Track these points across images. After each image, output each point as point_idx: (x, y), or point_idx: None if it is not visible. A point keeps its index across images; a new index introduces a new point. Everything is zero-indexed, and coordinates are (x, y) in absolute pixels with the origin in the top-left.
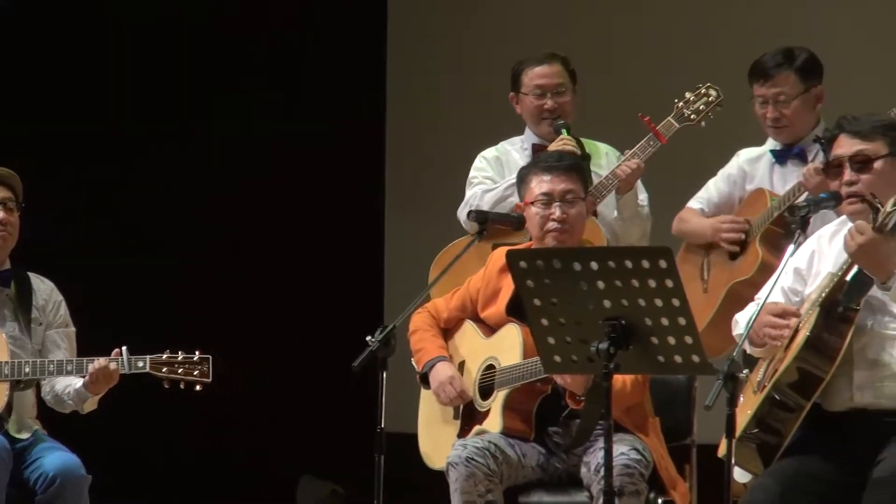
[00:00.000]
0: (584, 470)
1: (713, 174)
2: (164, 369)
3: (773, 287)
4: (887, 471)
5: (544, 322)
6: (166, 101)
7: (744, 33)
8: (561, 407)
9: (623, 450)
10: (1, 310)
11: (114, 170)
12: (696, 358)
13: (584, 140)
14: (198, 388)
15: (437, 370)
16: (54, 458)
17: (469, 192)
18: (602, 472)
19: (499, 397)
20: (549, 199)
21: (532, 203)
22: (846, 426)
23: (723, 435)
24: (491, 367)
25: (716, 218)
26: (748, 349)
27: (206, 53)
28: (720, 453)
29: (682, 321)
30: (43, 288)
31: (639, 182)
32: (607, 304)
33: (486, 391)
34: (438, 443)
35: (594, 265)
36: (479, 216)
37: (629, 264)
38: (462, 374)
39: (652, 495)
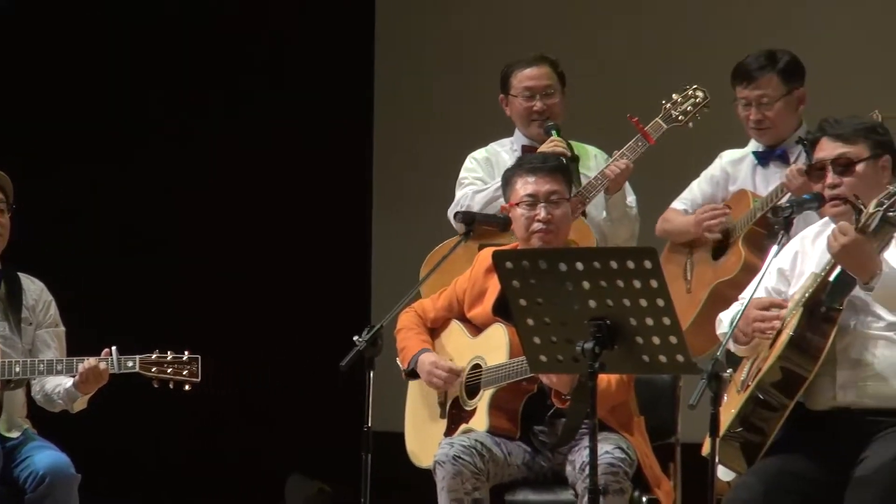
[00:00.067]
0: (569, 468)
1: (699, 176)
2: (153, 369)
3: (756, 287)
4: (870, 469)
5: (530, 322)
6: (156, 102)
7: (731, 36)
8: (546, 406)
9: (608, 448)
10: None
11: (104, 171)
12: (680, 357)
13: (573, 142)
14: (187, 387)
15: (421, 361)
16: (44, 456)
17: (459, 193)
18: (587, 471)
19: (485, 396)
20: (533, 200)
21: (517, 204)
22: (829, 425)
23: (707, 434)
24: (477, 366)
25: (694, 215)
26: (732, 348)
27: (194, 55)
28: (704, 452)
29: (666, 321)
30: (33, 288)
31: (627, 185)
32: (592, 304)
33: (472, 390)
34: (425, 441)
35: (579, 266)
36: (465, 217)
37: (614, 265)
38: None
39: (636, 494)
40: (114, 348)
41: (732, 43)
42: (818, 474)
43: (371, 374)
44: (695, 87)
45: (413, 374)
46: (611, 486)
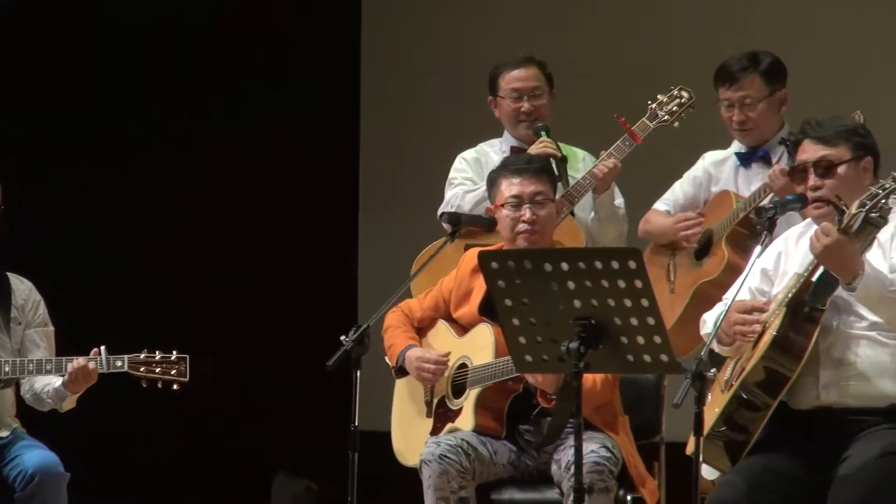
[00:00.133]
0: (554, 467)
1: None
2: (141, 368)
3: (740, 287)
4: (852, 468)
5: (515, 322)
6: (143, 102)
7: (714, 38)
8: (532, 405)
9: (593, 447)
10: None
11: (95, 170)
12: (664, 357)
13: (561, 144)
14: (175, 387)
15: (408, 357)
16: (33, 455)
17: (450, 193)
18: (572, 470)
19: (471, 396)
20: (518, 201)
21: (502, 205)
22: (812, 424)
23: (691, 433)
24: (463, 365)
25: (673, 217)
26: (716, 348)
27: (182, 57)
28: (688, 451)
29: (651, 321)
30: (22, 288)
31: (616, 187)
32: (577, 304)
33: (458, 390)
34: (412, 440)
35: (564, 266)
36: (451, 218)
37: (599, 265)
38: None
39: (621, 492)
40: (102, 348)
41: (715, 45)
42: (801, 473)
43: (358, 374)
44: (679, 87)
45: (401, 371)
46: (596, 485)
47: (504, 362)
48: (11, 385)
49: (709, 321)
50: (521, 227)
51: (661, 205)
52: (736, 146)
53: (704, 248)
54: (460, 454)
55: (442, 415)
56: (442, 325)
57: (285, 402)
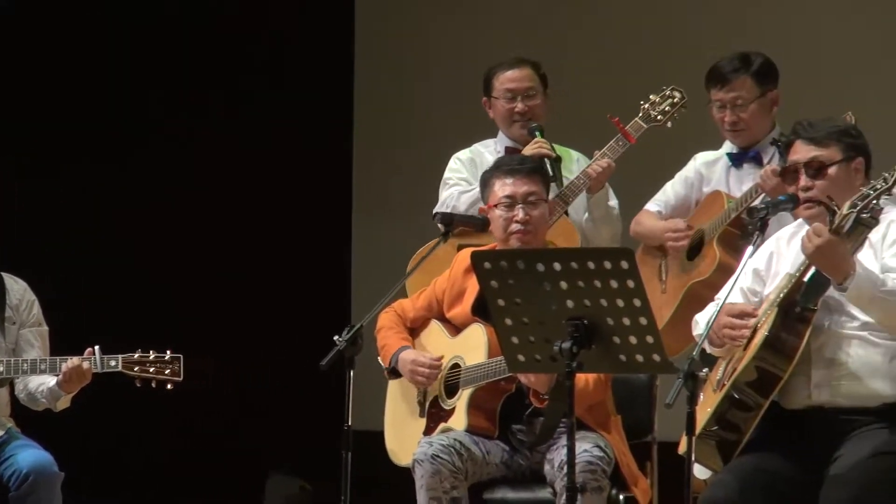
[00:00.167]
0: (547, 467)
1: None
2: (135, 368)
3: (731, 287)
4: (844, 468)
5: (508, 322)
6: (140, 102)
7: (705, 39)
8: (525, 405)
9: (586, 447)
10: None
11: (91, 171)
12: (657, 357)
13: (555, 145)
14: (169, 386)
15: (402, 359)
16: (27, 455)
17: (445, 193)
18: (565, 469)
19: (464, 396)
20: (511, 201)
21: (495, 206)
22: (804, 424)
23: (683, 432)
24: (456, 365)
25: (664, 223)
26: (708, 349)
27: (173, 58)
28: (680, 450)
29: (643, 321)
30: (16, 288)
31: (610, 189)
32: (570, 304)
33: (451, 390)
34: (404, 440)
35: (557, 266)
36: (444, 218)
37: (591, 265)
38: None
39: (614, 492)
40: (97, 348)
41: (707, 46)
42: (793, 472)
43: (351, 374)
44: (671, 87)
45: (394, 372)
46: (589, 484)
47: (497, 362)
48: (6, 385)
49: (701, 322)
50: (514, 227)
51: (652, 205)
52: (727, 147)
53: (696, 249)
54: (452, 454)
55: (435, 415)
56: (435, 325)
57: (279, 401)
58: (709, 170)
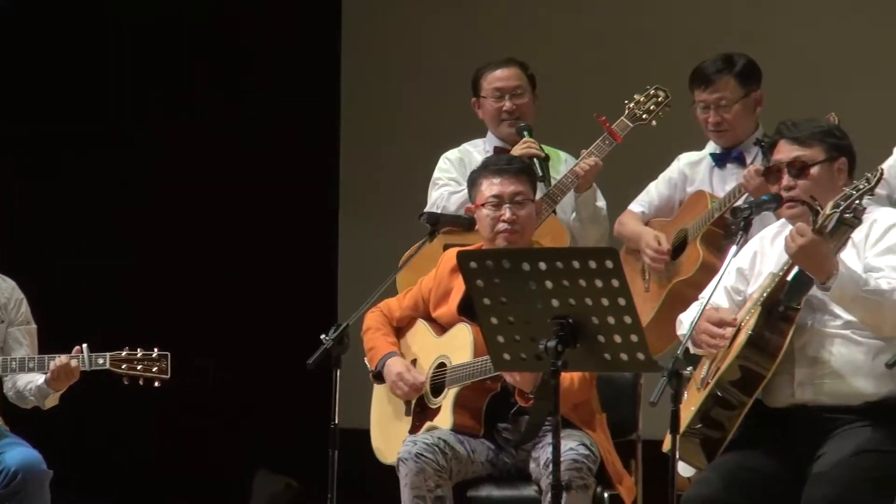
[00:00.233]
0: (532, 465)
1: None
2: (123, 366)
3: (715, 287)
4: (827, 466)
5: (494, 321)
6: (120, 101)
7: (688, 39)
8: (510, 404)
9: (571, 445)
10: None
11: (78, 171)
12: (641, 356)
13: (543, 146)
14: (156, 384)
15: (389, 366)
16: (16, 453)
17: (435, 194)
18: (551, 467)
19: (449, 395)
20: (499, 200)
21: (483, 205)
22: (787, 422)
23: (667, 430)
24: (442, 365)
25: (646, 234)
26: (692, 349)
27: (161, 56)
28: (665, 448)
29: (627, 320)
30: (4, 286)
31: (598, 190)
32: (555, 303)
33: (437, 389)
34: (390, 439)
35: (542, 265)
36: (430, 218)
37: (576, 264)
38: None
39: (599, 489)
40: (84, 346)
41: (690, 47)
42: (777, 470)
43: (338, 372)
44: (655, 86)
45: (380, 375)
46: (574, 482)
47: (482, 362)
48: None
49: (685, 321)
50: (501, 226)
51: (636, 206)
52: (711, 147)
53: (679, 248)
54: (437, 453)
55: (420, 413)
56: (421, 324)
57: (266, 399)
58: (692, 170)
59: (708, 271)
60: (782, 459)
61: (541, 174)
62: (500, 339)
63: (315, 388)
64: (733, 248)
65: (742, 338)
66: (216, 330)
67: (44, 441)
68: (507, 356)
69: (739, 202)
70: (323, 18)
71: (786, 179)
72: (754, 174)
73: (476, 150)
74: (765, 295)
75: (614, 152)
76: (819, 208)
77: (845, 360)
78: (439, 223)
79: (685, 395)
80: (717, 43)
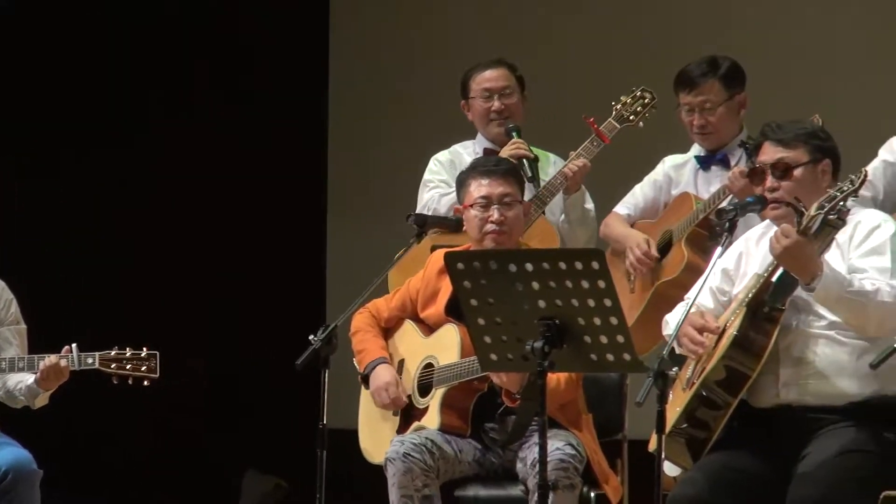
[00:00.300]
0: (519, 465)
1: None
2: (112, 365)
3: (701, 287)
4: (811, 466)
5: (481, 322)
6: (111, 102)
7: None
8: (497, 404)
9: (558, 445)
10: None
11: (69, 171)
12: (627, 356)
13: (532, 148)
14: (145, 383)
15: (378, 373)
16: (6, 452)
17: (427, 196)
18: (537, 467)
19: (437, 395)
20: (487, 202)
21: (471, 206)
22: (772, 422)
23: (653, 430)
24: (430, 365)
25: (633, 236)
26: (678, 350)
27: (149, 56)
28: (651, 448)
29: (613, 321)
30: None
31: (586, 192)
32: (542, 304)
33: (424, 389)
34: (378, 439)
35: (529, 266)
36: (418, 219)
37: (563, 266)
38: (402, 373)
39: (585, 489)
40: (74, 346)
41: (677, 49)
42: (762, 470)
43: (326, 373)
44: (642, 88)
45: (366, 378)
46: (561, 482)
47: (469, 362)
48: None
49: (671, 322)
50: (489, 227)
51: (621, 208)
52: (696, 149)
53: (664, 249)
54: (424, 453)
55: (408, 413)
56: (409, 325)
57: (255, 400)
58: (677, 172)
59: (693, 272)
60: (767, 459)
61: (530, 174)
62: (488, 339)
63: (303, 389)
64: (718, 250)
65: (727, 338)
66: (205, 330)
67: (34, 441)
68: (494, 357)
69: (724, 204)
70: (311, 19)
71: (770, 181)
72: (739, 176)
73: (466, 152)
74: (750, 296)
75: (600, 155)
76: (804, 210)
77: (830, 361)
78: (427, 224)
79: (671, 396)
80: (703, 46)
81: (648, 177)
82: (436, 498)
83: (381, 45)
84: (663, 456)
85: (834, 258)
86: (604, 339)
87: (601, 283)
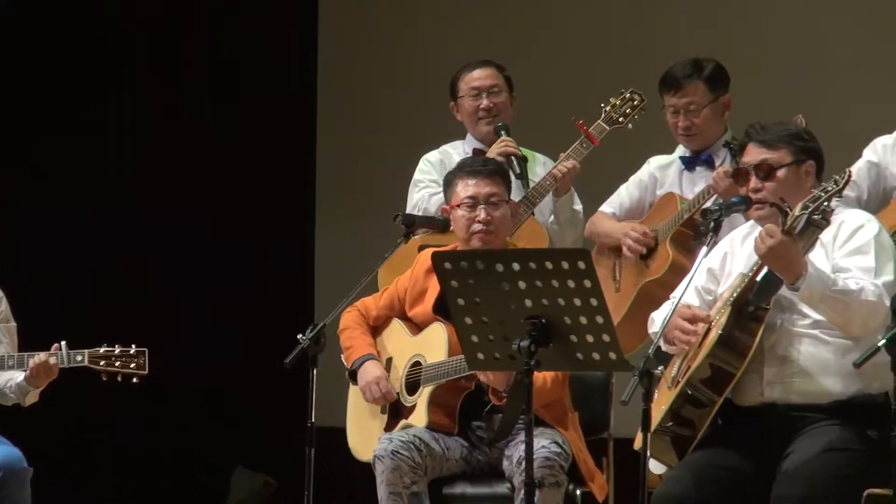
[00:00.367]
0: (505, 463)
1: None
2: (101, 363)
3: (686, 287)
4: (795, 463)
5: (468, 321)
6: (103, 100)
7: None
8: (484, 403)
9: (544, 443)
10: None
11: (62, 169)
12: (612, 355)
13: (522, 148)
14: (134, 380)
15: (366, 368)
16: None
17: (417, 196)
18: (523, 465)
19: (424, 393)
20: (474, 201)
21: (458, 206)
22: (757, 420)
23: (639, 428)
24: (417, 363)
25: (629, 224)
26: (664, 347)
27: (138, 58)
28: (636, 446)
29: (599, 320)
30: None
31: (575, 194)
32: (528, 303)
33: (412, 387)
34: (366, 437)
35: (516, 266)
36: (405, 219)
37: (549, 265)
38: (389, 371)
39: (571, 487)
40: (63, 343)
41: (663, 51)
42: (747, 467)
43: (315, 372)
44: (630, 90)
45: (354, 374)
46: (546, 480)
47: (457, 361)
48: None
49: (657, 320)
50: (476, 227)
51: (606, 207)
52: (681, 150)
53: (649, 249)
54: (412, 450)
55: (396, 411)
56: (397, 323)
57: (243, 398)
58: (662, 173)
59: (677, 272)
60: (752, 457)
61: (518, 172)
62: (475, 338)
63: (292, 387)
64: (704, 249)
65: (712, 337)
66: (194, 328)
67: (25, 438)
68: (481, 355)
69: (709, 204)
70: (300, 20)
71: (753, 182)
72: (723, 176)
73: (455, 152)
74: (735, 295)
75: (589, 156)
76: (788, 210)
77: (814, 360)
78: (414, 224)
79: (656, 394)
80: (689, 48)
81: (633, 177)
82: (424, 495)
83: (370, 45)
84: (649, 454)
85: (818, 257)
86: (590, 338)
87: (587, 283)
